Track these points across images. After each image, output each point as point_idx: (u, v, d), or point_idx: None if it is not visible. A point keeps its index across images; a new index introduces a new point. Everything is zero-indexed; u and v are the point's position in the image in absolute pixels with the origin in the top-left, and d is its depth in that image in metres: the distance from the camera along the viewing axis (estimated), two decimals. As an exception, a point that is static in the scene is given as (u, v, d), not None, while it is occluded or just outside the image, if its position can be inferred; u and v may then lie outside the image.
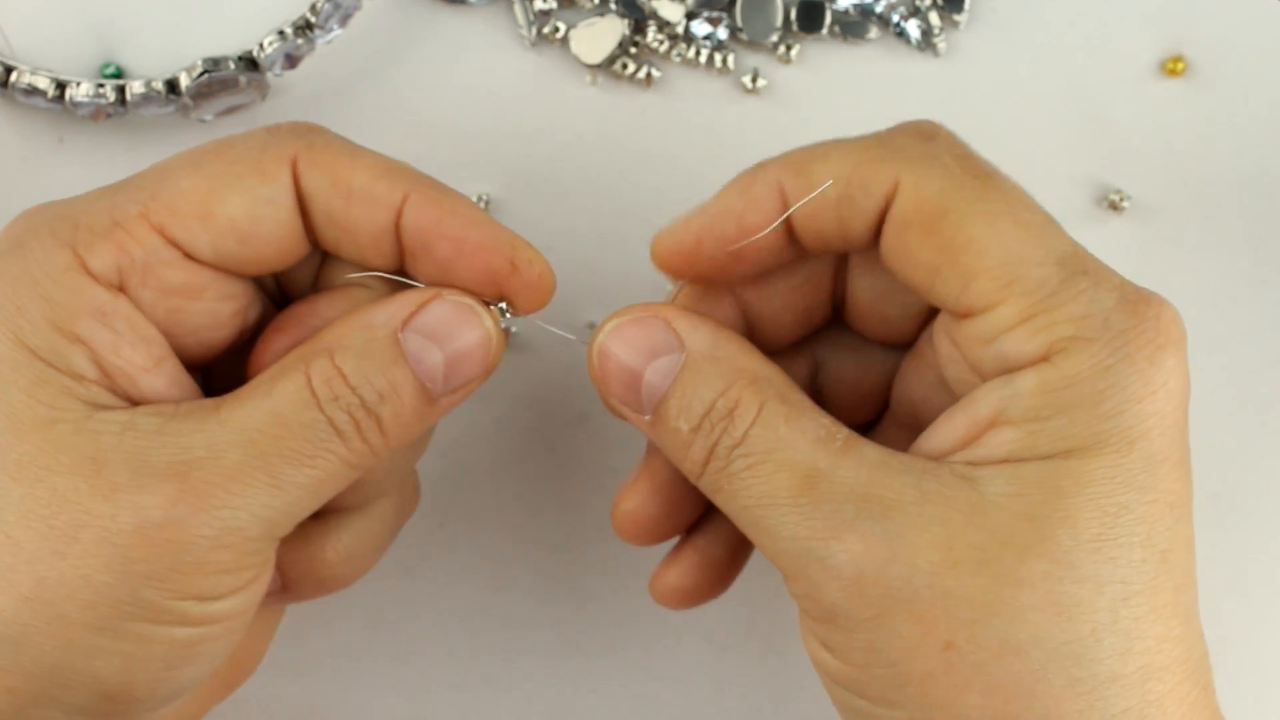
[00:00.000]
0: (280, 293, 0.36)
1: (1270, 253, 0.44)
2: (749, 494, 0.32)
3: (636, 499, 0.36)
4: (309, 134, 0.34)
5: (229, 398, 0.32)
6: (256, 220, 0.33)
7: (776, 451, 0.32)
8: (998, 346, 0.31)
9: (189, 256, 0.33)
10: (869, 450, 0.32)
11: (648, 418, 0.33)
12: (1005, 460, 0.31)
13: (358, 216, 0.34)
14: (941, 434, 0.32)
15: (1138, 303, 0.31)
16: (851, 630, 0.31)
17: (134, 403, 0.32)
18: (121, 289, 0.32)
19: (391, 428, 0.33)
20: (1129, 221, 0.44)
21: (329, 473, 0.32)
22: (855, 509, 0.31)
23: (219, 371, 0.35)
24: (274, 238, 0.33)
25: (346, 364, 0.32)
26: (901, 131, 0.33)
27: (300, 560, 0.35)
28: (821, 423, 0.32)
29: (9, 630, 0.31)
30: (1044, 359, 0.31)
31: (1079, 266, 0.31)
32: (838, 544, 0.31)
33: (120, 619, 0.31)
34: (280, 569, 0.35)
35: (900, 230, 0.32)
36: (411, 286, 0.34)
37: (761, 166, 0.34)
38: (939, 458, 0.32)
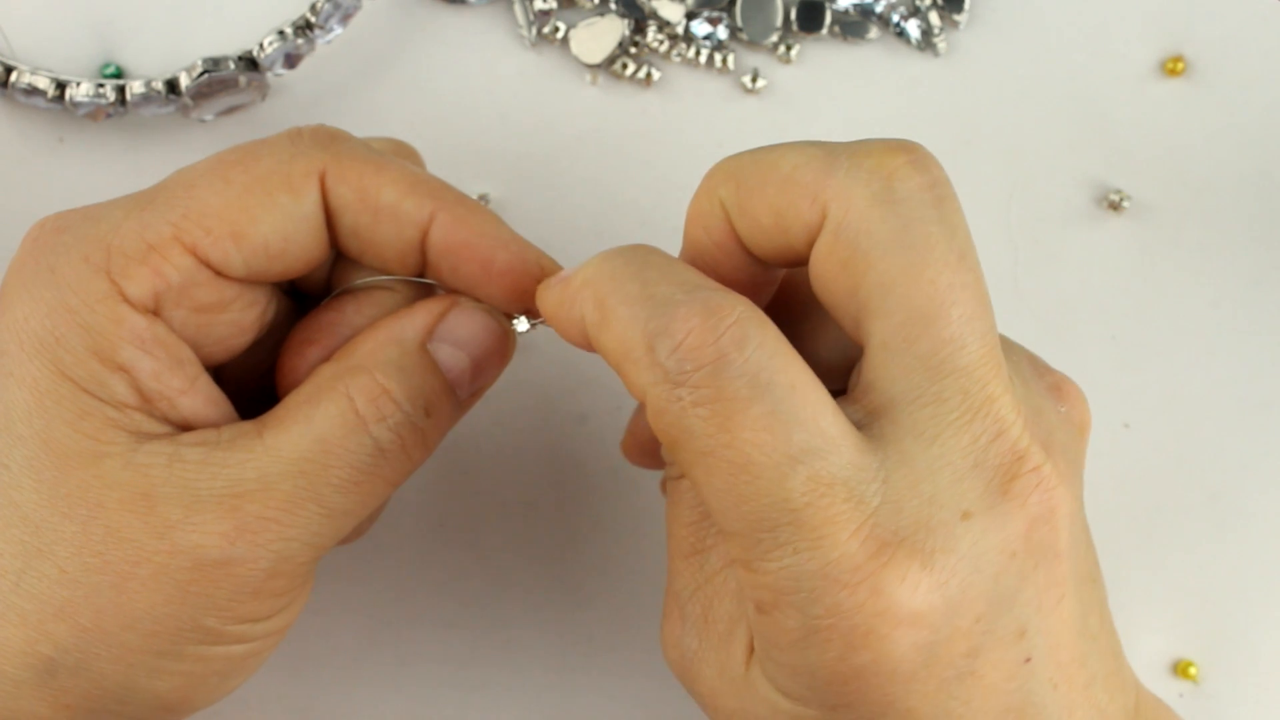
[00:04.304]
0: (290, 283, 0.36)
1: (1270, 253, 0.44)
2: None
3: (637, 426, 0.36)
4: (334, 143, 0.34)
5: (269, 421, 0.32)
6: (288, 238, 0.33)
7: None
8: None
9: (220, 274, 0.33)
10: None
11: None
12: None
13: (385, 232, 0.34)
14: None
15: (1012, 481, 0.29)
16: None
17: (172, 424, 0.32)
18: (156, 312, 0.32)
19: (432, 439, 0.33)
20: (1129, 221, 0.44)
21: (374, 494, 0.33)
22: None
23: (233, 366, 0.35)
24: (303, 250, 0.33)
25: (391, 381, 0.33)
26: (859, 153, 0.30)
27: None
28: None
29: (68, 658, 0.31)
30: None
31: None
32: None
33: (181, 644, 0.32)
34: None
35: (816, 261, 0.30)
36: (430, 288, 0.35)
37: (708, 182, 0.32)
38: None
